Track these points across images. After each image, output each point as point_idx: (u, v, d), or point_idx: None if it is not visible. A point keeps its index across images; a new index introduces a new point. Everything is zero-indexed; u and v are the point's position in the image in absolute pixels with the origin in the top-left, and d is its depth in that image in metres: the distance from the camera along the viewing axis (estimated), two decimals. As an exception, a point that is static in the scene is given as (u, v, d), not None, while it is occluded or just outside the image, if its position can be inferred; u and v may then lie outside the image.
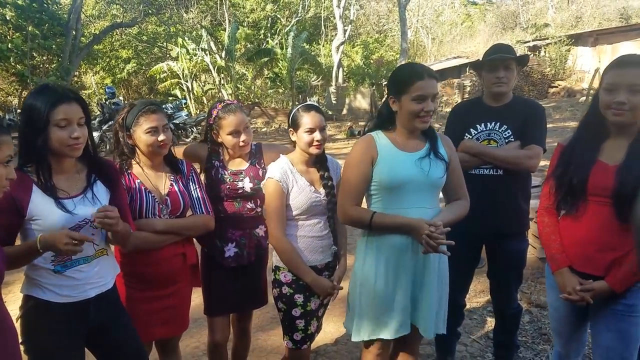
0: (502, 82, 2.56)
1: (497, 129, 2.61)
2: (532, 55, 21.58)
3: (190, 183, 2.29)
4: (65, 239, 1.59)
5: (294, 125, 2.27)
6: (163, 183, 2.22)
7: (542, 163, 2.78)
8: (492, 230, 2.62)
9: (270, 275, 2.42)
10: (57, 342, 1.77)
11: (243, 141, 2.36)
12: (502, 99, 2.64)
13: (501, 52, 2.59)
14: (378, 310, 2.11)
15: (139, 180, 2.16)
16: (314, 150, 2.26)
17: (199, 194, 2.29)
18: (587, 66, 20.87)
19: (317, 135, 2.23)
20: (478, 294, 4.02)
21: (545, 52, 22.22)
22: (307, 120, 2.23)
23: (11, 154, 1.45)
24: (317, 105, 2.36)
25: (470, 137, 2.65)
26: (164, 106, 14.61)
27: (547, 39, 22.31)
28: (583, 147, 2.00)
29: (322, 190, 2.32)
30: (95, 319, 1.86)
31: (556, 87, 21.00)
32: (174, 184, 2.23)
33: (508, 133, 2.59)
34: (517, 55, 2.63)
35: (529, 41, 22.94)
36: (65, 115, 1.69)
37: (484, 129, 2.64)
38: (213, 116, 2.38)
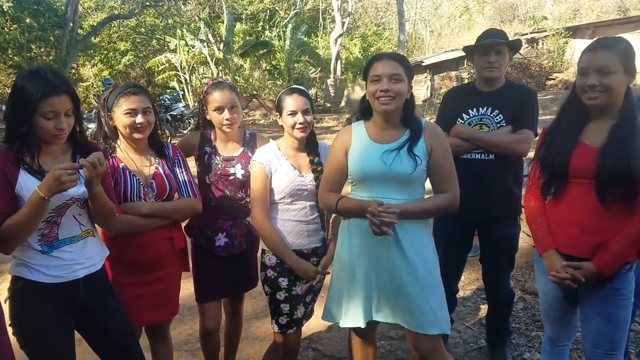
0: (493, 66, 2.56)
1: (489, 114, 2.61)
2: (529, 48, 21.55)
3: (177, 167, 2.28)
4: (57, 172, 1.59)
5: (279, 108, 2.27)
6: (148, 166, 2.20)
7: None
8: (484, 215, 2.62)
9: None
10: (46, 323, 1.76)
11: (227, 119, 2.33)
12: (494, 84, 2.64)
13: (493, 37, 2.58)
14: (343, 294, 2.15)
15: (123, 164, 2.14)
16: (297, 134, 2.24)
17: (186, 177, 2.27)
18: (586, 58, 20.82)
19: (299, 118, 2.22)
20: (472, 282, 4.02)
21: (543, 44, 22.17)
22: (290, 102, 2.23)
23: None
24: (303, 88, 2.34)
25: (462, 122, 2.64)
26: (161, 97, 14.61)
27: (545, 31, 22.25)
28: (565, 129, 2.00)
29: (308, 175, 2.29)
30: (84, 300, 1.85)
31: (554, 79, 20.96)
32: (159, 167, 2.21)
33: (500, 118, 2.58)
34: (512, 40, 2.62)
35: (527, 33, 22.89)
36: (53, 107, 1.69)
37: (476, 114, 2.63)
38: (204, 92, 2.39)
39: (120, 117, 2.09)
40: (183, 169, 2.29)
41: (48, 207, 1.71)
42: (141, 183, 2.15)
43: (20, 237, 1.68)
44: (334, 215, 2.40)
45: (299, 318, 2.35)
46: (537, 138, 2.55)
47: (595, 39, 1.98)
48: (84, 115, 9.99)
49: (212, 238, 2.39)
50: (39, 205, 1.63)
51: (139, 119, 2.09)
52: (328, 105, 21.18)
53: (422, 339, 2.04)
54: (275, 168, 2.26)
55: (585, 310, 2.02)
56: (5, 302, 1.77)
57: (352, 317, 2.13)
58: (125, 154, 2.18)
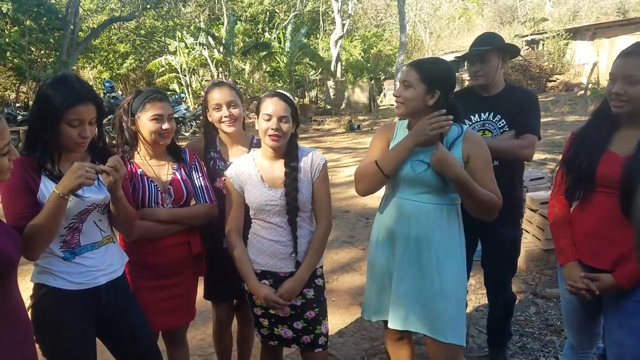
0: (478, 75, 2.57)
1: (491, 119, 2.60)
2: (529, 49, 21.58)
3: (193, 172, 2.27)
4: (76, 165, 1.59)
5: (257, 110, 2.10)
6: (165, 172, 2.19)
7: (542, 156, 2.78)
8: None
9: None
10: (68, 330, 1.75)
11: (225, 117, 2.29)
12: (490, 89, 2.63)
13: (478, 45, 2.59)
14: (373, 292, 2.21)
15: (140, 170, 2.13)
16: (268, 141, 2.04)
17: (202, 182, 2.26)
18: (586, 60, 20.88)
19: (272, 124, 2.00)
20: (484, 287, 4.00)
21: (543, 46, 22.22)
22: (268, 106, 2.03)
23: (7, 143, 1.40)
24: (287, 94, 2.13)
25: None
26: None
27: (545, 33, 22.31)
28: (594, 134, 1.96)
29: (279, 190, 2.08)
30: (106, 306, 1.84)
31: (554, 81, 21.02)
32: (176, 172, 2.20)
33: (502, 123, 2.57)
34: (503, 44, 2.61)
35: (527, 35, 22.94)
36: (80, 116, 1.69)
37: (478, 120, 2.62)
38: (204, 94, 2.38)
39: (146, 122, 2.07)
40: (200, 174, 2.27)
41: (69, 213, 1.70)
42: (159, 189, 2.14)
43: (43, 240, 1.65)
44: (315, 238, 2.15)
45: (283, 337, 2.20)
46: (540, 141, 2.55)
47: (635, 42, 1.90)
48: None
49: (220, 240, 2.36)
50: (56, 204, 1.60)
51: (166, 125, 2.09)
52: (329, 107, 21.20)
53: (442, 347, 2.03)
54: (245, 181, 2.12)
55: (608, 321, 1.98)
56: (27, 310, 1.75)
57: (380, 313, 2.19)
58: (143, 160, 2.16)
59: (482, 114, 2.61)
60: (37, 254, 1.69)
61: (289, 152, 2.12)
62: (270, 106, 2.02)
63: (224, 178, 2.25)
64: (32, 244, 1.63)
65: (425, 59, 2.12)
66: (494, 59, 2.55)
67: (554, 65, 21.46)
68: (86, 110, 1.70)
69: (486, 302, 3.75)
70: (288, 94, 2.14)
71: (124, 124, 2.13)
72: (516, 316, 3.42)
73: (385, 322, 2.22)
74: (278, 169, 2.11)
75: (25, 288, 1.62)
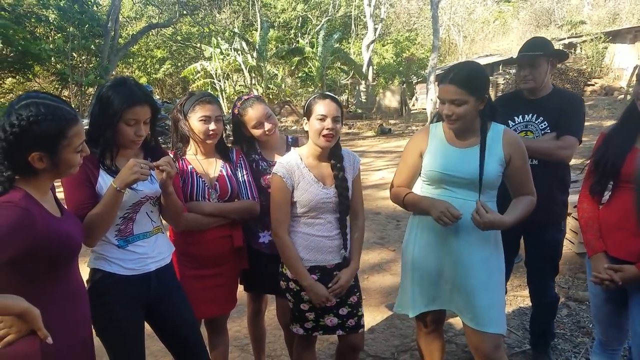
0: (526, 79, 2.63)
1: (533, 121, 2.65)
2: (563, 50, 21.08)
3: (239, 169, 2.41)
4: (132, 162, 1.75)
5: (307, 112, 2.18)
6: (213, 169, 2.34)
7: (579, 161, 2.79)
8: (528, 220, 2.65)
9: None
10: (121, 312, 1.90)
11: (267, 130, 2.43)
12: (537, 92, 2.68)
13: (527, 50, 2.65)
14: (408, 287, 2.26)
15: (191, 166, 2.30)
16: (322, 142, 2.13)
17: (246, 179, 2.40)
18: (626, 63, 20.29)
19: (328, 123, 2.10)
20: (515, 288, 4.02)
21: (581, 49, 21.71)
22: (321, 107, 2.13)
23: (82, 141, 1.54)
24: (335, 96, 2.24)
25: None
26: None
27: (583, 36, 21.79)
28: (622, 133, 2.04)
29: (332, 188, 2.20)
30: (155, 291, 1.99)
31: (593, 85, 20.50)
32: (223, 169, 2.35)
33: (544, 125, 2.62)
34: (552, 49, 2.65)
35: (564, 38, 22.45)
36: (136, 116, 1.85)
37: (521, 121, 2.68)
38: (235, 114, 2.48)
39: (195, 123, 2.23)
40: (245, 171, 2.41)
41: (124, 204, 1.86)
42: (206, 184, 2.29)
43: (101, 228, 1.81)
44: (357, 234, 2.32)
45: (329, 326, 2.27)
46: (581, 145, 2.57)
47: None
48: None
49: (256, 234, 2.48)
50: (113, 197, 1.76)
51: (212, 125, 2.24)
52: (359, 111, 21.25)
53: (486, 338, 2.10)
54: (298, 181, 2.18)
55: (632, 313, 2.02)
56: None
57: (414, 307, 2.26)
58: (194, 157, 2.33)
59: (526, 116, 2.67)
60: (95, 241, 1.86)
61: (334, 152, 2.23)
62: (324, 107, 2.12)
63: (268, 176, 2.38)
64: (90, 232, 1.79)
65: (460, 71, 2.05)
66: (543, 64, 2.61)
67: (592, 68, 20.94)
68: (142, 111, 1.86)
69: (520, 303, 3.78)
70: (335, 97, 2.25)
71: (178, 124, 2.29)
72: (548, 318, 3.43)
73: (418, 318, 2.31)
74: (326, 168, 2.23)
75: (83, 274, 1.78)
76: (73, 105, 18.87)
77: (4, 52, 17.29)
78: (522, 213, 2.10)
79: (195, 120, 2.23)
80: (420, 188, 2.25)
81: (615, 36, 21.04)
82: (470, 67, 2.11)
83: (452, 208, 2.00)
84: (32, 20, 18.22)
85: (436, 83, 16.75)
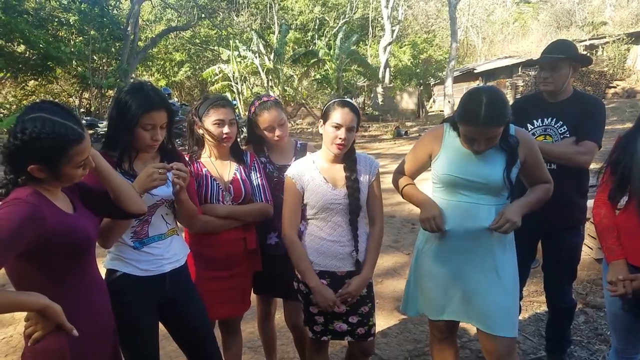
0: (547, 82, 2.60)
1: (552, 125, 2.62)
2: (587, 54, 20.76)
3: (252, 172, 2.43)
4: (151, 170, 1.80)
5: (325, 116, 2.20)
6: (227, 172, 2.37)
7: (598, 165, 2.74)
8: (546, 224, 2.62)
9: None
10: (136, 311, 1.94)
11: (277, 136, 2.47)
12: (557, 95, 2.65)
13: (549, 52, 2.62)
14: (419, 289, 2.27)
15: (205, 169, 2.33)
16: (333, 150, 2.16)
17: (260, 182, 2.42)
18: (649, 66, 19.92)
19: (341, 133, 2.12)
20: (531, 293, 3.97)
21: (603, 51, 21.35)
22: (337, 115, 2.13)
23: (86, 157, 1.54)
24: (355, 105, 2.24)
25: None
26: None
27: (605, 37, 21.43)
28: (638, 137, 2.01)
29: (342, 189, 2.20)
30: (169, 292, 2.02)
31: (615, 87, 20.13)
32: (237, 172, 2.37)
33: (564, 129, 2.58)
34: (575, 53, 2.62)
35: (585, 40, 22.11)
36: (153, 121, 1.88)
37: (540, 125, 2.65)
38: (251, 112, 2.52)
39: (209, 126, 2.26)
40: (258, 175, 2.44)
41: None
42: (220, 187, 2.32)
43: (118, 230, 1.86)
44: (373, 243, 2.28)
45: (337, 331, 2.26)
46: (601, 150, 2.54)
47: None
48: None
49: (264, 235, 2.50)
50: None
51: (226, 129, 2.27)
52: (376, 113, 21.22)
53: (499, 342, 2.08)
54: (308, 182, 2.21)
55: None
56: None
57: (428, 310, 2.26)
58: (208, 160, 2.36)
59: (545, 119, 2.64)
60: (111, 242, 1.90)
61: (348, 156, 2.24)
62: (341, 116, 2.13)
63: (276, 179, 2.40)
64: (107, 234, 1.84)
65: (491, 112, 1.90)
66: (564, 67, 2.58)
67: (614, 70, 20.58)
68: (158, 116, 1.89)
69: (536, 309, 3.74)
70: (356, 105, 2.26)
71: (193, 127, 2.33)
72: (565, 324, 3.38)
73: (432, 322, 2.30)
74: (338, 171, 2.23)
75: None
76: (92, 108, 19.24)
77: (26, 54, 17.70)
78: (537, 198, 2.14)
79: (210, 124, 2.26)
80: (432, 192, 2.24)
81: (638, 37, 20.64)
82: (495, 100, 1.92)
83: (440, 219, 2.07)
84: (54, 23, 18.60)
85: (451, 85, 16.63)
